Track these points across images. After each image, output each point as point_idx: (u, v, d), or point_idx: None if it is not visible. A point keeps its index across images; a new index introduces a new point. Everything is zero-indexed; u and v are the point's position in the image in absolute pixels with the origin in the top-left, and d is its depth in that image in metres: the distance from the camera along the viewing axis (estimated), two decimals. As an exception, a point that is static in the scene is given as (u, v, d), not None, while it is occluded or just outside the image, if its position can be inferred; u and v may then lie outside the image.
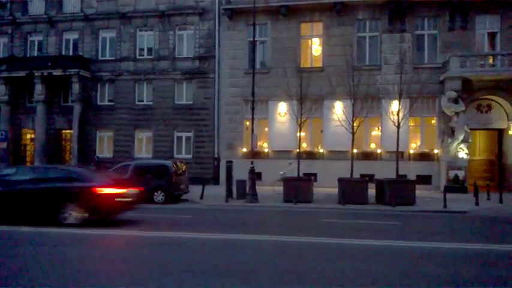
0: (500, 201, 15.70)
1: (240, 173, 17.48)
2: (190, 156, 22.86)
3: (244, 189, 16.20)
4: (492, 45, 20.98)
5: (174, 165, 16.22)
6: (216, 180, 21.87)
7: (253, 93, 16.94)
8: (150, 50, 24.22)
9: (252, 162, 16.32)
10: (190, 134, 23.25)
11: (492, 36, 20.98)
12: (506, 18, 20.45)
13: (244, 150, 21.81)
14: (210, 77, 23.11)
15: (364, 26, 22.02)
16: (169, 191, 15.67)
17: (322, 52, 22.28)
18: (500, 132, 20.98)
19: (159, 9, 23.82)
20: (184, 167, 17.20)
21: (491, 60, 19.73)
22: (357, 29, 21.93)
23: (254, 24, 17.71)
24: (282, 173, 18.22)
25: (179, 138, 23.52)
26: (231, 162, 17.18)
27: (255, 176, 16.51)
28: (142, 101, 24.13)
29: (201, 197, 16.49)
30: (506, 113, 20.27)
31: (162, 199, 15.58)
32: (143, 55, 24.34)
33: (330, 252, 7.96)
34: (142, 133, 24.01)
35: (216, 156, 22.56)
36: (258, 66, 22.41)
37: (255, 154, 18.82)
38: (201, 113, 23.09)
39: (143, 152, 23.71)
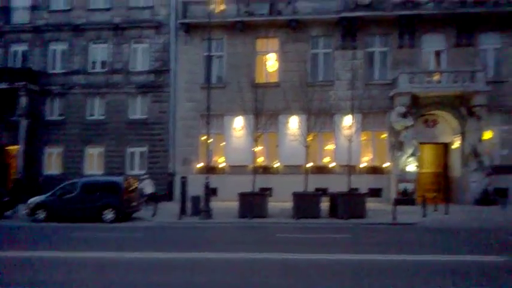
0: (446, 212, 16.35)
1: (196, 188, 17.26)
2: (143, 172, 22.34)
3: (199, 206, 15.99)
4: (438, 62, 22.01)
5: (126, 182, 15.78)
6: (170, 197, 21.48)
7: (208, 108, 16.85)
8: (103, 63, 23.67)
9: (207, 178, 16.16)
10: (144, 149, 22.77)
11: (438, 54, 22.03)
12: (451, 37, 21.57)
13: (200, 165, 21.59)
14: (166, 91, 22.85)
15: (318, 42, 22.56)
16: (120, 208, 15.19)
17: (277, 68, 22.59)
18: (446, 146, 21.95)
19: (114, 22, 23.40)
20: (136, 183, 16.77)
21: (437, 77, 20.70)
22: (311, 45, 22.43)
23: (210, 39, 17.75)
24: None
25: (132, 154, 22.98)
26: (185, 177, 16.96)
27: (210, 191, 16.35)
28: (94, 116, 23.44)
29: (154, 215, 16.11)
30: (451, 128, 21.25)
31: (112, 217, 15.07)
32: (96, 68, 23.75)
33: (282, 268, 7.94)
34: (94, 149, 23.26)
35: (170, 171, 22.20)
36: (214, 80, 22.45)
37: (210, 169, 18.70)
38: (156, 128, 22.71)
39: (94, 169, 22.93)
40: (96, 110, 23.45)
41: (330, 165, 21.52)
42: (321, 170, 21.28)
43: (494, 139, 21.04)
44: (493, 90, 20.18)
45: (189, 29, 22.60)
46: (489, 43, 21.63)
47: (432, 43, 21.97)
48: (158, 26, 23.15)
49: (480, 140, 19.90)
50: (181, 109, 22.59)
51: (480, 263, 8.33)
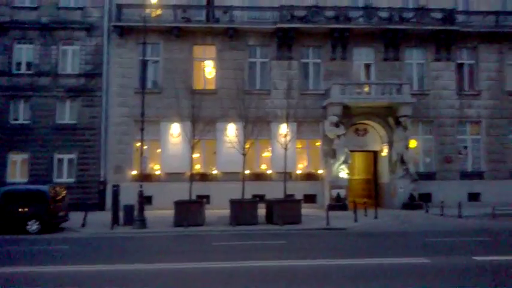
0: (376, 217, 17.16)
1: (129, 197, 16.65)
2: (72, 180, 21.17)
3: (132, 215, 15.41)
4: (368, 75, 23.18)
5: (52, 190, 14.82)
6: (101, 206, 20.52)
7: (142, 114, 16.35)
8: (29, 65, 22.18)
9: (141, 186, 15.64)
10: (73, 156, 21.56)
11: (368, 67, 23.20)
12: (379, 51, 22.84)
13: (134, 173, 20.88)
14: (97, 95, 21.89)
15: (255, 52, 22.84)
16: (45, 219, 14.22)
17: (215, 75, 22.55)
18: (375, 154, 23.12)
19: (41, 22, 22.06)
20: (64, 192, 15.80)
21: (367, 89, 21.80)
22: (249, 54, 22.66)
23: (145, 43, 17.28)
24: None
25: (60, 161, 21.65)
26: (117, 186, 16.26)
27: (144, 200, 15.84)
28: (18, 120, 21.83)
29: (83, 225, 15.27)
30: (380, 137, 22.44)
31: (37, 229, 14.06)
32: (21, 70, 22.20)
33: (217, 277, 7.84)
34: (17, 155, 21.60)
35: (102, 179, 21.23)
36: (149, 85, 21.96)
37: (145, 177, 18.18)
38: (86, 134, 21.63)
39: (17, 177, 21.31)
40: (21, 113, 21.88)
41: (267, 172, 21.78)
42: (258, 177, 21.47)
43: (419, 148, 22.54)
44: (417, 102, 21.63)
45: (123, 32, 21.89)
46: (413, 58, 23.22)
47: (362, 56, 23.11)
48: (90, 28, 22.16)
49: (406, 149, 21.18)
50: (114, 114, 21.74)
51: (409, 264, 8.79)
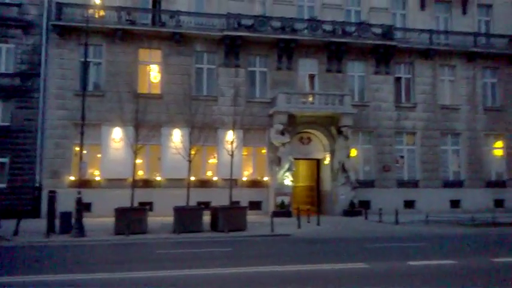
0: (318, 223, 17.59)
1: (67, 204, 15.86)
2: (4, 185, 19.80)
3: (70, 222, 14.67)
4: (312, 85, 23.83)
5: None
6: (36, 213, 19.33)
7: (83, 117, 15.66)
8: (-44, 62, 20.59)
9: (79, 192, 14.93)
10: (5, 160, 20.16)
11: (312, 77, 23.85)
12: (323, 63, 23.58)
13: (72, 178, 19.92)
14: (34, 96, 20.68)
15: (202, 58, 22.73)
16: (-28, 227, 13.17)
17: (160, 79, 22.14)
18: (318, 162, 23.75)
19: (-29, 17, 20.60)
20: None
21: (311, 99, 22.42)
22: (195, 60, 22.50)
23: (86, 44, 16.59)
24: None
25: (-10, 165, 20.23)
26: (54, 192, 15.44)
27: (83, 207, 15.14)
28: None
29: (16, 233, 14.30)
30: (323, 145, 23.10)
31: (-39, 238, 13.00)
32: None
33: (160, 286, 7.65)
34: None
35: (37, 185, 20.04)
36: (91, 88, 21.19)
37: (84, 183, 17.39)
38: (20, 137, 20.34)
39: None
40: None
41: (213, 179, 21.64)
42: (204, 183, 21.29)
43: (359, 156, 23.46)
44: (358, 113, 22.54)
45: (63, 32, 20.92)
46: (355, 71, 24.21)
47: (307, 67, 23.72)
48: (27, 26, 20.94)
49: (347, 157, 21.97)
50: (52, 117, 20.65)
51: (348, 269, 9.07)
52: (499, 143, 25.54)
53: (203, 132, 18.07)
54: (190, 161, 16.85)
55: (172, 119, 20.85)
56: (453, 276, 8.44)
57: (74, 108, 19.84)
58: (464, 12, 25.71)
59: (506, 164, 25.28)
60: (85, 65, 18.37)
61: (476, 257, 10.69)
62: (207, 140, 18.83)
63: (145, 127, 17.53)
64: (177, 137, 20.49)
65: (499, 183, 24.83)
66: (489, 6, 26.32)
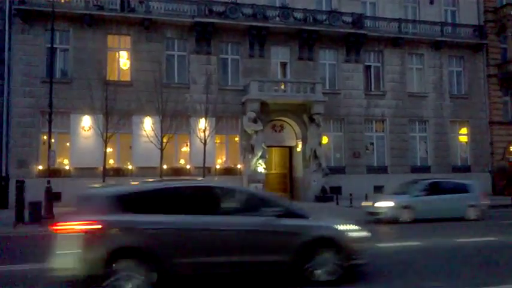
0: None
1: (36, 194, 15.35)
2: (-33, 176, 19.16)
3: (40, 212, 14.34)
4: (284, 73, 23.95)
5: None
6: (3, 204, 18.76)
7: (50, 105, 15.24)
8: None
9: (48, 182, 14.60)
10: (-31, 150, 19.51)
11: (284, 65, 23.97)
12: (294, 51, 23.69)
13: (41, 168, 19.42)
14: (-2, 84, 19.97)
15: (173, 44, 22.40)
16: None
17: (130, 66, 21.72)
18: (291, 149, 23.99)
19: None
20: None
21: (283, 86, 22.55)
22: (166, 47, 22.15)
23: (53, 30, 16.09)
24: None
25: (-48, 155, 19.46)
26: (22, 182, 14.99)
27: (53, 196, 14.83)
28: None
29: (-19, 224, 13.88)
30: (295, 133, 23.32)
31: None
32: None
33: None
34: None
35: (3, 175, 19.44)
36: (58, 75, 20.60)
37: (53, 172, 17.01)
38: (-16, 126, 19.66)
39: None
40: None
41: (186, 167, 21.51)
42: (177, 171, 21.08)
43: (330, 144, 23.84)
44: (329, 101, 22.81)
45: (27, 16, 20.14)
46: (326, 59, 24.47)
47: (279, 55, 23.80)
48: (-12, 10, 20.14)
49: (319, 145, 22.27)
50: (18, 105, 19.95)
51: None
52: (464, 130, 26.48)
53: (175, 120, 17.99)
54: (162, 150, 16.75)
55: (143, 107, 20.53)
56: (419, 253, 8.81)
57: (41, 96, 19.22)
58: (431, 1, 26.29)
59: (470, 149, 26.26)
60: (52, 51, 17.75)
61: (439, 239, 11.14)
62: (179, 128, 18.75)
63: (115, 115, 17.25)
64: (148, 126, 20.24)
65: (464, 168, 25.78)
66: (455, -5, 27.05)
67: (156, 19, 21.46)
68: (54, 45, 17.81)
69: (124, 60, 21.94)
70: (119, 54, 21.88)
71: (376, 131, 24.98)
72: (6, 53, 20.03)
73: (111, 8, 21.26)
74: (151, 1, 21.49)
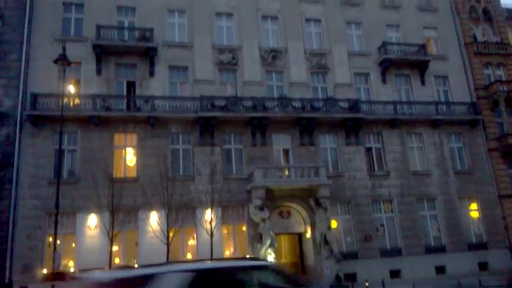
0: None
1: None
2: (-32, 284, 18.58)
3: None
4: (287, 159, 24.27)
5: None
6: (5, 313, 18.00)
7: (57, 206, 15.31)
8: None
9: (52, 286, 14.14)
10: (-28, 257, 19.14)
11: (286, 152, 24.38)
12: (295, 137, 24.25)
13: (45, 271, 18.88)
14: (6, 188, 20.15)
15: (178, 139, 23.00)
16: None
17: (136, 162, 22.10)
18: (300, 236, 23.44)
19: None
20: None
21: (287, 172, 22.73)
22: (171, 141, 22.72)
23: (61, 133, 16.70)
24: None
25: (-44, 263, 19.05)
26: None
27: (56, 301, 14.26)
28: None
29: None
30: (303, 218, 22.98)
31: None
32: None
33: None
34: None
35: (6, 282, 18.82)
36: (65, 175, 20.90)
37: (58, 276, 16.49)
38: (-10, 231, 19.51)
39: None
40: None
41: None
42: (183, 267, 20.44)
43: (339, 227, 23.36)
44: (334, 184, 22.81)
45: (37, 121, 20.98)
46: (327, 143, 24.92)
47: (280, 142, 24.31)
48: (1, 118, 21.02)
49: (328, 229, 21.83)
50: (24, 208, 19.98)
51: None
52: (474, 205, 26.06)
53: (181, 212, 17.92)
54: (168, 245, 16.43)
55: (149, 201, 20.54)
56: None
57: (47, 198, 19.37)
58: (423, 83, 27.49)
59: (483, 225, 25.60)
60: (60, 154, 18.21)
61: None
62: (185, 220, 18.59)
63: (121, 212, 17.22)
64: (154, 220, 20.09)
65: (480, 245, 24.92)
66: (445, 77, 28.27)
67: (161, 116, 22.30)
68: (62, 147, 18.32)
69: (130, 156, 22.41)
70: (125, 151, 22.40)
71: (384, 211, 24.59)
72: (15, 157, 20.54)
73: (118, 109, 22.19)
74: (156, 99, 22.53)
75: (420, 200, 25.06)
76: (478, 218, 25.82)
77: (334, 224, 22.80)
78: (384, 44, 26.89)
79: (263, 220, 21.02)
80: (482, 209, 25.81)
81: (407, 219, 24.35)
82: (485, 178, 26.38)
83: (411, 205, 24.70)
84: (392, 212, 24.56)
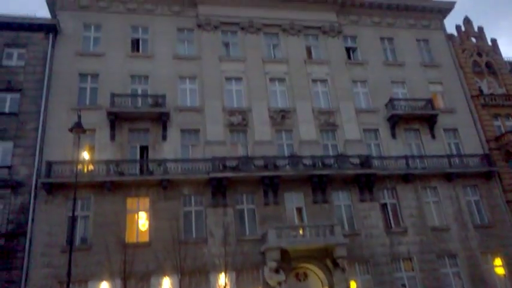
0: None
1: None
2: None
3: None
4: (300, 218, 23.85)
5: None
6: None
7: (69, 274, 14.97)
8: None
9: None
10: (-19, 331, 18.58)
11: (299, 210, 24.01)
12: (308, 195, 23.98)
13: None
14: (18, 257, 19.94)
15: (190, 200, 22.86)
16: None
17: (148, 226, 21.88)
18: (318, 299, 22.45)
19: (-39, 181, 20.95)
20: None
21: (301, 232, 22.21)
22: (183, 203, 22.60)
23: (75, 199, 16.71)
24: None
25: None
26: None
27: None
28: None
29: None
30: (321, 280, 22.13)
31: None
32: None
33: None
34: None
35: None
36: (78, 242, 20.70)
37: None
38: (0, 303, 19.09)
39: None
40: None
41: (206, 330, 19.99)
42: (197, 336, 19.58)
43: (358, 289, 22.37)
44: (350, 243, 22.16)
45: (51, 188, 21.16)
46: (340, 200, 24.54)
47: (293, 200, 24.00)
48: (16, 186, 21.21)
49: (347, 290, 20.92)
50: (36, 277, 19.59)
51: None
52: (498, 261, 24.93)
53: (194, 277, 17.43)
54: (182, 312, 15.84)
55: (161, 266, 20.08)
56: None
57: (60, 266, 19.08)
58: (433, 136, 27.44)
59: (511, 282, 24.32)
60: (73, 220, 18.14)
61: None
62: (198, 286, 18.04)
63: (133, 278, 16.78)
64: (166, 287, 19.50)
65: (510, 304, 23.56)
66: (455, 129, 28.24)
67: (174, 178, 22.41)
68: (76, 213, 18.29)
69: (143, 221, 22.20)
70: (137, 215, 22.25)
71: (405, 270, 23.59)
72: (29, 226, 20.45)
73: (131, 173, 22.40)
74: (169, 162, 22.75)
75: (441, 257, 24.09)
76: (505, 275, 24.57)
77: (353, 285, 21.90)
78: (391, 100, 27.26)
79: (279, 283, 20.33)
80: (507, 265, 24.65)
81: (430, 278, 23.28)
82: (507, 231, 25.48)
83: (432, 263, 23.72)
84: (413, 270, 23.57)
